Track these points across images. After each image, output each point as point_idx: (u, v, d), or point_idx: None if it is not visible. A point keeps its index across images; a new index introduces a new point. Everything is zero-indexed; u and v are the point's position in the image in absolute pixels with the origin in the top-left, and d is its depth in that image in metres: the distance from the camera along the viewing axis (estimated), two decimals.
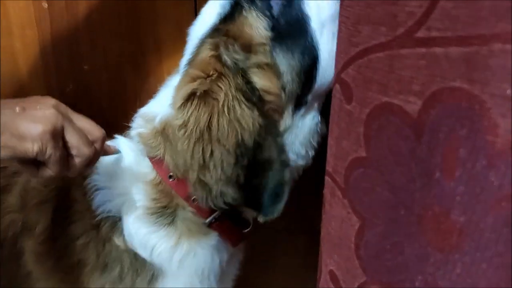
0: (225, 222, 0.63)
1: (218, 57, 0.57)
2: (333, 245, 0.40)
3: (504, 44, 0.26)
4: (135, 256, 0.63)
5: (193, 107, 0.55)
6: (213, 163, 0.55)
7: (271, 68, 0.57)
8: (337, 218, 0.39)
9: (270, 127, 0.56)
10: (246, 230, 0.66)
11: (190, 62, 0.61)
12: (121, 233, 0.63)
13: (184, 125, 0.55)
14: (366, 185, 0.36)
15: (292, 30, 0.57)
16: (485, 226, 0.29)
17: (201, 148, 0.55)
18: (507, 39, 0.26)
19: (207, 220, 0.62)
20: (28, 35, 0.91)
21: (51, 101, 0.52)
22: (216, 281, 0.67)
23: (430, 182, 0.31)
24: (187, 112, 0.55)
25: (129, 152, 0.65)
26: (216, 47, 0.57)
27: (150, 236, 0.62)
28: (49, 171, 0.51)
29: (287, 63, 0.57)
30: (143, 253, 0.63)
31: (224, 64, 0.56)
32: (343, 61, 0.37)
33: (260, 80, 0.57)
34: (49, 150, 0.49)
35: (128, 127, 1.01)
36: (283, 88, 0.57)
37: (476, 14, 0.27)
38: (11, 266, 0.67)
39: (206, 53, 0.58)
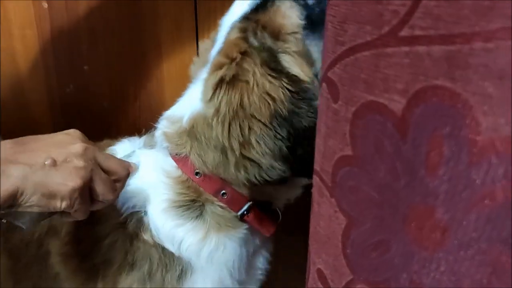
0: (257, 212, 0.62)
1: (244, 39, 0.57)
2: (321, 244, 0.40)
3: (485, 42, 0.26)
4: (163, 251, 0.63)
5: (222, 92, 0.55)
6: (254, 138, 0.54)
7: (303, 56, 0.57)
8: (325, 217, 0.39)
9: (302, 93, 0.55)
10: (278, 221, 0.65)
11: (219, 52, 0.61)
12: (148, 227, 0.62)
13: (216, 111, 0.55)
14: (352, 184, 0.35)
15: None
16: (468, 224, 0.28)
17: (238, 126, 0.55)
18: (487, 38, 0.26)
19: (239, 213, 0.61)
20: (28, 35, 0.91)
21: (79, 140, 0.51)
22: (244, 273, 0.67)
23: (415, 180, 0.31)
24: (218, 99, 0.55)
25: (147, 154, 0.65)
26: (243, 31, 0.58)
27: (177, 229, 0.62)
28: (72, 217, 0.51)
29: (319, 51, 0.57)
30: (170, 247, 0.62)
31: (250, 44, 0.56)
32: (330, 60, 0.37)
33: (291, 66, 0.57)
34: (76, 206, 0.50)
35: (128, 127, 1.02)
36: (316, 75, 0.57)
37: (458, 12, 0.27)
38: (40, 267, 0.67)
39: (234, 35, 0.58)
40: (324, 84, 0.38)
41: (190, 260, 0.62)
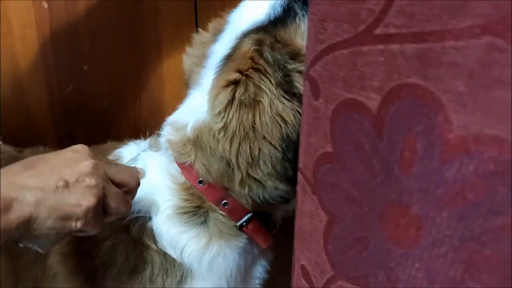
0: (256, 224, 0.62)
1: (260, 53, 0.55)
2: (304, 241, 0.40)
3: (455, 41, 0.26)
4: (165, 256, 0.63)
5: (233, 109, 0.54)
6: (263, 160, 0.54)
7: None
8: (308, 214, 0.39)
9: None
10: (273, 232, 0.65)
11: (228, 57, 0.59)
12: (151, 233, 0.62)
13: (225, 127, 0.55)
14: (332, 181, 0.36)
15: None
16: (441, 222, 0.28)
17: (248, 146, 0.54)
18: (458, 36, 0.26)
19: (239, 223, 0.61)
20: (28, 35, 0.92)
21: (88, 157, 0.51)
22: (241, 282, 0.67)
23: (390, 178, 0.31)
24: (228, 115, 0.54)
25: (152, 157, 0.64)
26: (259, 43, 0.56)
27: (181, 236, 0.61)
28: (87, 233, 0.52)
29: None
30: (172, 253, 0.62)
31: (265, 59, 0.55)
32: (311, 58, 0.37)
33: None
34: (91, 224, 0.50)
35: (128, 127, 1.02)
36: None
37: (430, 11, 0.27)
38: (39, 267, 0.67)
39: (248, 47, 0.56)
40: (306, 82, 0.38)
41: (191, 266, 0.62)
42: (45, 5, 0.91)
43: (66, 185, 0.48)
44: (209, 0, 0.91)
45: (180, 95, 0.97)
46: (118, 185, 0.53)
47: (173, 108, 0.97)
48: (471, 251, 0.28)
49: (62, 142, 1.02)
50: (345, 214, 0.35)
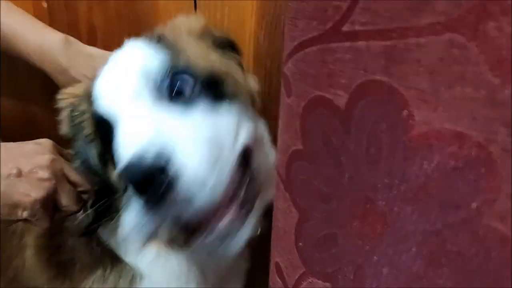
0: None
1: None
2: (278, 238, 0.40)
3: (417, 38, 0.26)
4: (116, 255, 0.64)
5: None
6: None
7: None
8: (281, 211, 0.39)
9: None
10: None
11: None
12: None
13: None
14: (303, 178, 0.36)
15: None
16: (405, 217, 0.29)
17: None
18: (420, 33, 0.26)
19: None
20: None
21: (49, 151, 0.52)
22: (220, 281, 0.67)
23: (358, 174, 0.31)
24: None
25: None
26: None
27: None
28: (35, 225, 0.54)
29: None
30: (121, 254, 0.63)
31: None
32: (285, 56, 0.37)
33: None
34: (38, 215, 0.51)
35: None
36: None
37: (393, 8, 0.27)
38: (19, 260, 0.67)
39: None
40: (282, 80, 0.38)
41: (138, 267, 0.63)
42: (45, 5, 0.90)
43: (19, 174, 0.49)
44: (209, 0, 0.91)
45: None
46: (73, 184, 0.54)
47: None
48: (433, 246, 0.28)
49: (61, 141, 1.02)
50: (315, 210, 0.35)
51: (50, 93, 0.94)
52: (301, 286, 0.37)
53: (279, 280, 0.40)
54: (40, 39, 0.78)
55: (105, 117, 0.52)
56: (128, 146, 0.45)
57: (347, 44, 0.30)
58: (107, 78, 0.55)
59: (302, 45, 0.34)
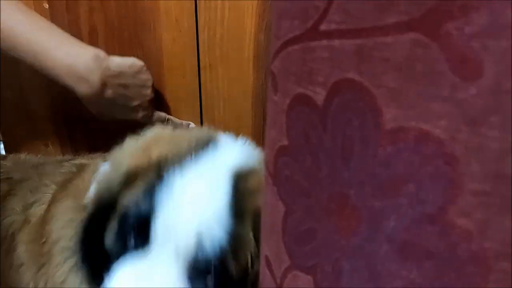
0: None
1: None
2: (267, 232, 0.42)
3: (385, 36, 0.27)
4: None
5: None
6: None
7: None
8: (270, 205, 0.40)
9: None
10: None
11: None
12: None
13: None
14: (287, 173, 0.37)
15: None
16: (376, 213, 0.29)
17: None
18: (387, 32, 0.27)
19: None
20: None
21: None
22: None
23: (334, 170, 0.32)
24: None
25: None
26: None
27: None
28: None
29: None
30: None
31: None
32: (272, 54, 0.38)
33: None
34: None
35: (128, 127, 1.04)
36: None
37: (363, 7, 0.28)
38: (8, 260, 0.71)
39: None
40: (269, 77, 0.40)
41: None
42: (46, 5, 0.94)
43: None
44: (209, 0, 0.93)
45: (180, 95, 0.98)
46: None
47: (173, 110, 0.99)
48: (403, 242, 0.29)
49: (61, 141, 1.05)
50: (298, 205, 0.36)
51: (50, 92, 0.97)
52: (287, 278, 0.39)
53: (268, 272, 0.42)
54: (70, 58, 0.77)
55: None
56: None
57: (324, 42, 0.31)
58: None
59: (286, 44, 0.35)
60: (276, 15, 0.36)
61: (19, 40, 0.76)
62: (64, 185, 0.71)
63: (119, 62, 0.82)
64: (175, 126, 0.92)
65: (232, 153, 0.56)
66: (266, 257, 0.42)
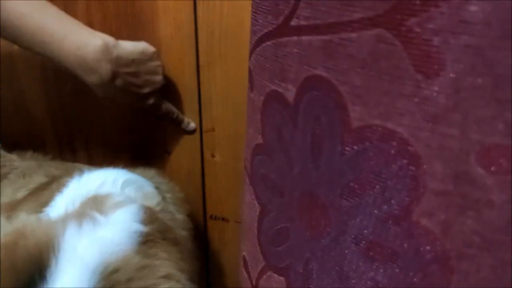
0: None
1: None
2: (245, 231, 0.42)
3: (350, 33, 0.27)
4: None
5: None
6: None
7: None
8: (247, 205, 0.41)
9: None
10: None
11: None
12: None
13: None
14: (263, 172, 0.37)
15: None
16: (343, 212, 0.30)
17: None
18: (352, 28, 0.27)
19: None
20: None
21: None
22: None
23: (304, 169, 0.32)
24: None
25: None
26: None
27: None
28: None
29: None
30: None
31: None
32: (249, 50, 0.38)
33: None
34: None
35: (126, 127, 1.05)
36: None
37: (329, 2, 0.28)
38: None
39: None
40: (248, 74, 0.40)
41: None
42: None
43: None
44: (208, 0, 0.93)
45: (179, 94, 0.99)
46: None
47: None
48: (369, 242, 0.29)
49: (60, 141, 1.06)
50: (272, 204, 0.36)
51: (48, 92, 0.98)
52: (262, 279, 0.39)
53: (245, 273, 0.42)
54: (78, 49, 0.77)
55: None
56: None
57: (295, 38, 0.31)
58: None
59: (261, 40, 0.35)
60: (253, 9, 0.37)
61: (27, 28, 0.75)
62: (35, 191, 0.71)
63: (130, 49, 0.81)
64: (179, 120, 0.92)
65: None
66: (244, 258, 0.43)
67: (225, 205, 0.92)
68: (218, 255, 0.98)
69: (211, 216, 0.95)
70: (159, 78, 0.87)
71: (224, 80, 0.95)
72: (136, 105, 0.86)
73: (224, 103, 0.98)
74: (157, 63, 0.87)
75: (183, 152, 0.95)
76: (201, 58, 0.96)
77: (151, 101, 0.86)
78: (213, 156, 0.93)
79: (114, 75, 0.77)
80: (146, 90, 0.84)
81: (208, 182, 0.93)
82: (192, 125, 0.94)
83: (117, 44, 0.80)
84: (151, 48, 0.85)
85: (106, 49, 0.77)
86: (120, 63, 0.79)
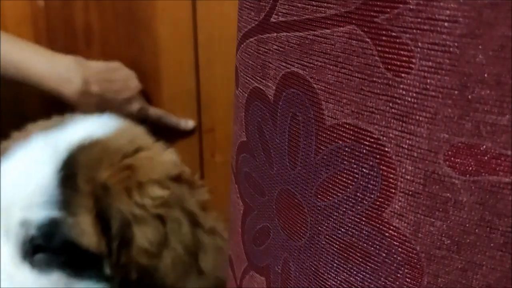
0: None
1: None
2: (231, 231, 0.42)
3: (323, 29, 0.27)
4: None
5: None
6: None
7: None
8: (233, 204, 0.41)
9: None
10: None
11: None
12: None
13: None
14: (246, 170, 0.38)
15: None
16: (318, 213, 0.30)
17: None
18: (325, 24, 0.27)
19: None
20: (24, 33, 0.98)
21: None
22: None
23: (282, 167, 0.33)
24: None
25: None
26: None
27: None
28: None
29: None
30: None
31: None
32: (236, 47, 0.39)
33: None
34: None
35: None
36: None
37: None
38: None
39: None
40: (235, 71, 0.40)
41: None
42: (41, 4, 0.96)
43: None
44: (208, 0, 0.94)
45: (177, 94, 1.00)
46: None
47: (170, 109, 1.01)
48: (342, 243, 0.29)
49: None
50: (254, 203, 0.37)
51: (46, 92, 1.00)
52: (245, 279, 0.39)
53: (230, 273, 0.43)
54: (50, 63, 0.85)
55: None
56: None
57: (274, 35, 0.32)
58: None
59: (245, 36, 0.36)
60: (239, 6, 0.37)
61: (4, 61, 0.83)
62: None
63: (96, 63, 0.90)
64: (171, 123, 0.93)
65: (77, 130, 0.61)
66: (230, 257, 0.43)
67: (224, 205, 0.93)
68: None
69: None
70: (134, 82, 0.93)
71: (223, 80, 0.95)
72: (121, 112, 0.89)
73: (223, 103, 0.98)
74: (127, 70, 0.94)
75: (183, 152, 0.96)
76: (200, 58, 0.97)
77: (135, 106, 0.90)
78: (213, 156, 0.94)
79: (88, 82, 0.84)
80: (125, 95, 0.89)
81: (207, 183, 0.94)
82: (190, 123, 0.95)
83: (85, 60, 0.88)
84: (115, 62, 0.93)
85: (76, 61, 0.85)
86: (90, 72, 0.86)
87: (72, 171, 0.57)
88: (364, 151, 0.27)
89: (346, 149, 0.27)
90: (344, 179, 0.28)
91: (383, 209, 0.27)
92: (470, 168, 0.23)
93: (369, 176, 0.27)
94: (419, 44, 0.24)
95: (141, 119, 0.92)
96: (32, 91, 1.01)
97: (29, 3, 0.95)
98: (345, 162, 0.28)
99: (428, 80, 0.24)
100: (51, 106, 1.01)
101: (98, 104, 0.86)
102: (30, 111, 1.05)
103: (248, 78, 0.36)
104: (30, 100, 1.04)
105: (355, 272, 0.29)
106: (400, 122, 0.25)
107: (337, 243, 0.29)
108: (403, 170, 0.25)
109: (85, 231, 0.55)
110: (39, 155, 0.58)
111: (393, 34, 0.24)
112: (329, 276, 0.30)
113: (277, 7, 0.31)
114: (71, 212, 0.55)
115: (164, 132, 0.94)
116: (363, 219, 0.28)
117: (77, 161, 0.58)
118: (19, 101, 1.04)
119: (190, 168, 0.94)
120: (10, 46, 0.85)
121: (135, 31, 0.97)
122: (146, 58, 0.98)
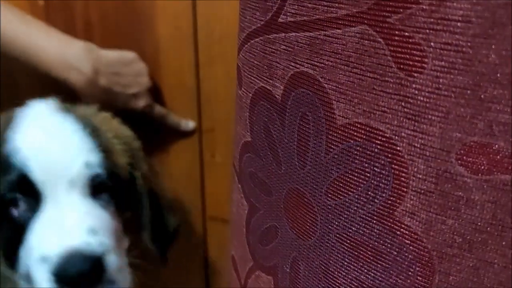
0: None
1: None
2: (234, 231, 0.43)
3: (335, 29, 0.28)
4: None
5: None
6: None
7: None
8: (235, 203, 0.42)
9: None
10: None
11: None
12: None
13: None
14: (251, 170, 0.38)
15: None
16: (329, 211, 0.31)
17: None
18: (337, 24, 0.28)
19: None
20: None
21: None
22: None
23: (291, 167, 0.33)
24: None
25: None
26: None
27: None
28: None
29: None
30: None
31: None
32: (238, 47, 0.39)
33: None
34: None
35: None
36: None
37: None
38: None
39: None
40: (236, 71, 0.41)
41: None
42: (41, 2, 0.96)
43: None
44: (208, 0, 0.94)
45: (178, 93, 1.00)
46: None
47: (170, 108, 1.01)
48: (353, 241, 0.30)
49: None
50: (260, 203, 0.37)
51: (46, 92, 1.00)
52: (250, 279, 0.40)
53: (234, 273, 0.43)
54: (59, 49, 0.82)
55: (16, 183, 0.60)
56: (55, 239, 0.55)
57: (282, 35, 0.32)
58: (37, 145, 0.63)
59: (249, 36, 0.36)
60: (241, 6, 0.38)
61: (8, 37, 0.80)
62: None
63: (111, 53, 0.86)
64: (173, 123, 0.93)
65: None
66: (233, 257, 0.44)
67: (224, 206, 0.93)
68: (217, 257, 0.99)
69: (210, 217, 0.96)
70: (144, 79, 0.91)
71: (224, 79, 0.96)
72: (126, 106, 0.88)
73: (224, 103, 0.98)
74: (140, 65, 0.91)
75: (183, 153, 0.96)
76: (200, 58, 0.97)
77: (141, 102, 0.89)
78: (213, 156, 0.94)
79: (97, 73, 0.81)
80: (133, 90, 0.87)
81: (207, 183, 0.94)
82: (191, 124, 0.95)
83: (98, 48, 0.85)
84: (131, 54, 0.90)
85: (86, 49, 0.82)
86: (101, 62, 0.83)
87: (94, 126, 0.68)
88: (376, 150, 0.27)
89: (358, 148, 0.28)
90: (355, 178, 0.29)
91: (395, 208, 0.27)
92: (483, 167, 0.24)
93: (381, 175, 0.27)
94: (432, 44, 0.24)
95: (145, 115, 0.92)
96: (35, 94, 1.01)
97: (29, 2, 0.94)
98: (356, 161, 0.28)
99: (441, 80, 0.24)
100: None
101: (104, 95, 0.84)
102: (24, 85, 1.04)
103: (253, 78, 0.36)
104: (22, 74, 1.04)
105: (365, 271, 0.30)
106: (413, 121, 0.26)
107: (348, 241, 0.30)
108: (415, 169, 0.26)
109: (122, 166, 0.68)
110: (61, 116, 0.68)
111: (406, 34, 0.25)
112: (339, 275, 0.31)
113: (285, 8, 0.31)
114: (109, 153, 0.66)
115: (164, 132, 0.94)
116: (374, 217, 0.28)
117: (90, 125, 0.68)
118: (19, 103, 1.04)
119: (190, 168, 0.94)
120: (25, 27, 0.83)
121: (135, 30, 0.97)
122: (146, 57, 0.98)
